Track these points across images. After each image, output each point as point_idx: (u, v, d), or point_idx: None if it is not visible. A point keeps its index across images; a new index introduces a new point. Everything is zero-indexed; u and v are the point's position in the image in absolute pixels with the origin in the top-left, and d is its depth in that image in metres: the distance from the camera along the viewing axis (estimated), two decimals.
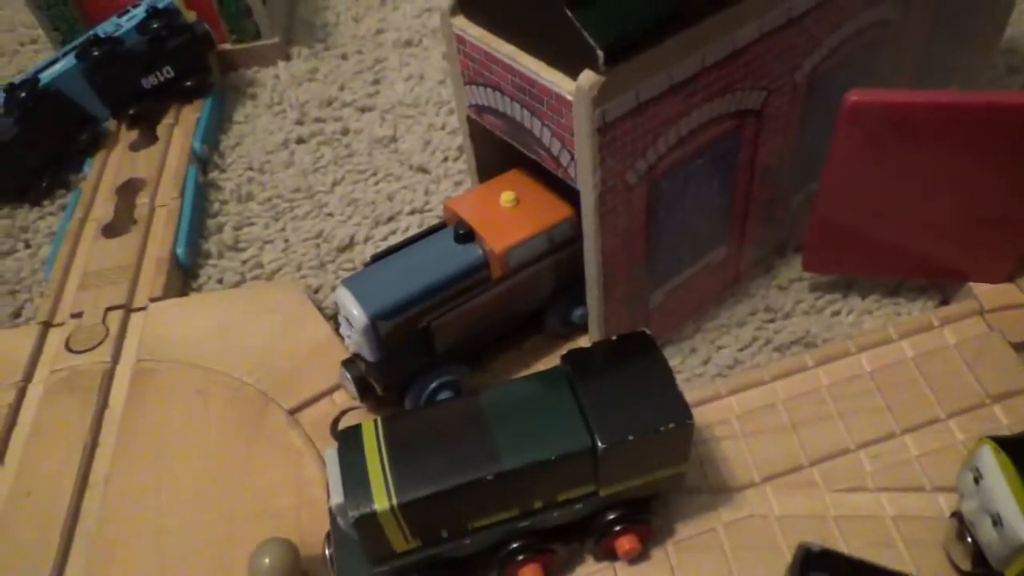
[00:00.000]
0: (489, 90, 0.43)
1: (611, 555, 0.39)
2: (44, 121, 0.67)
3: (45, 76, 0.68)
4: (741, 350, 0.51)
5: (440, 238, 0.45)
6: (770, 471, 0.43)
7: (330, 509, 0.37)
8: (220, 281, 0.59)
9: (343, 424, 0.47)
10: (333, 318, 0.53)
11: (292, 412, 0.47)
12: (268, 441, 0.46)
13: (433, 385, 0.44)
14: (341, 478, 0.33)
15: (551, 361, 0.49)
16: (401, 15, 0.86)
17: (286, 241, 0.62)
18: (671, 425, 0.34)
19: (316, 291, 0.58)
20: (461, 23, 0.42)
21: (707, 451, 0.44)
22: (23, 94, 0.66)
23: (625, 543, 0.38)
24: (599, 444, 0.33)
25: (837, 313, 0.53)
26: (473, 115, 0.46)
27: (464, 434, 0.34)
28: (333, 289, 0.58)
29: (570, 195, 0.45)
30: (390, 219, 0.63)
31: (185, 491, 0.44)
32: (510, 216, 0.44)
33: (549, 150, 0.41)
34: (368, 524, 0.33)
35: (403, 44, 0.81)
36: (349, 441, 0.35)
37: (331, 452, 0.35)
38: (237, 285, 0.59)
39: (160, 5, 0.71)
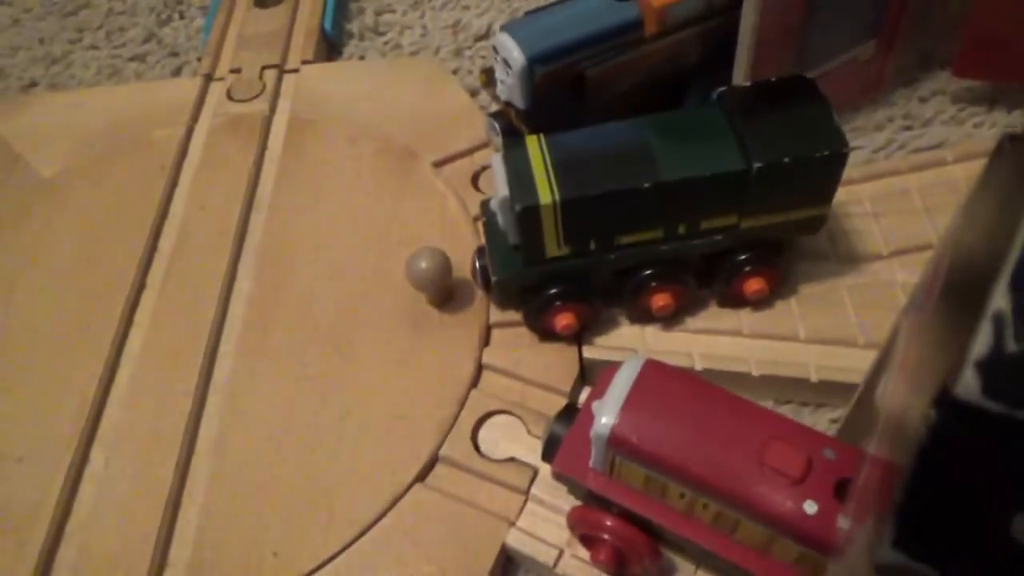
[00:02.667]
0: None
1: (737, 301, 0.42)
2: None
3: None
4: (876, 151, 0.51)
5: None
6: (899, 246, 0.44)
7: (486, 214, 0.40)
8: (362, 58, 0.62)
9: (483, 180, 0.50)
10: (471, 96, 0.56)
11: (436, 165, 0.50)
12: (415, 184, 0.49)
13: None
14: (506, 175, 0.36)
15: None
16: None
17: (424, 27, 0.64)
18: (826, 152, 0.35)
19: (454, 73, 0.60)
20: None
21: (837, 225, 0.45)
22: None
23: (754, 283, 0.40)
24: (754, 164, 0.35)
25: (979, 125, 0.52)
26: None
27: (625, 149, 0.37)
28: (470, 72, 0.60)
29: None
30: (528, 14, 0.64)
31: (341, 217, 0.48)
32: None
33: None
34: (530, 218, 0.36)
35: None
36: (515, 147, 0.37)
37: (496, 156, 0.37)
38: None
39: None
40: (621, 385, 0.30)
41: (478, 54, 0.62)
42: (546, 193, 0.35)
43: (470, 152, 0.51)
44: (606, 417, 0.30)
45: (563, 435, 0.34)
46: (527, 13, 0.47)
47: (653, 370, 0.31)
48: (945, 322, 0.21)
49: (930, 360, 0.21)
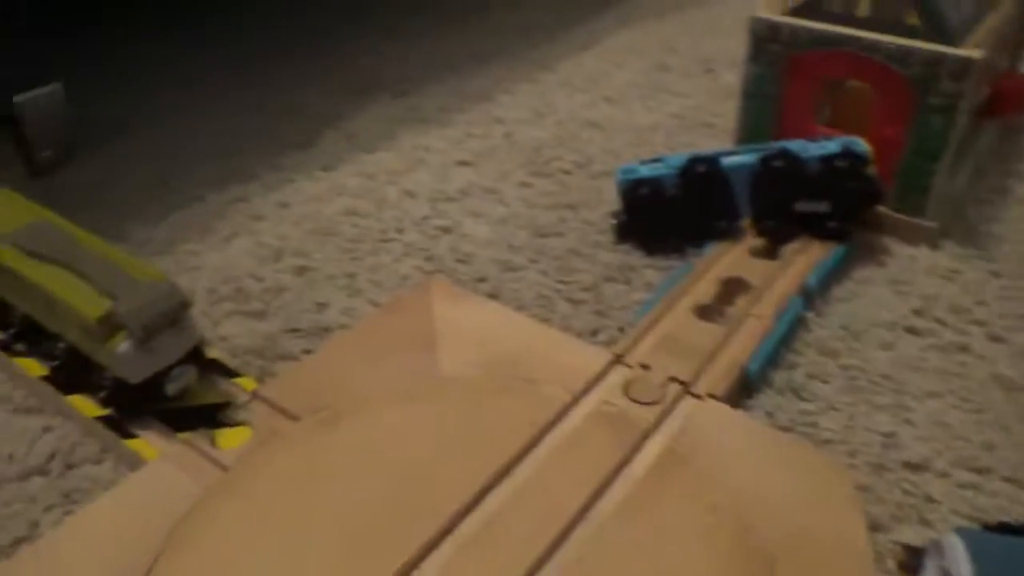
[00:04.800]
0: None
1: None
2: (703, 194, 0.73)
3: (725, 161, 0.73)
4: None
5: None
6: None
7: None
8: (770, 415, 0.57)
9: None
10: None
11: None
12: None
13: None
14: None
15: None
16: None
17: (851, 417, 0.57)
18: None
19: (862, 489, 0.51)
20: None
21: None
22: (702, 167, 0.72)
23: None
24: None
25: None
26: None
27: None
28: (881, 501, 0.50)
29: None
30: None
31: None
32: None
33: None
34: None
35: None
36: None
37: None
38: (787, 429, 0.55)
39: (856, 149, 0.71)
40: None
41: (900, 484, 0.52)
42: None
43: None
44: None
45: None
46: (999, 523, 0.37)
47: None
48: None
49: None
